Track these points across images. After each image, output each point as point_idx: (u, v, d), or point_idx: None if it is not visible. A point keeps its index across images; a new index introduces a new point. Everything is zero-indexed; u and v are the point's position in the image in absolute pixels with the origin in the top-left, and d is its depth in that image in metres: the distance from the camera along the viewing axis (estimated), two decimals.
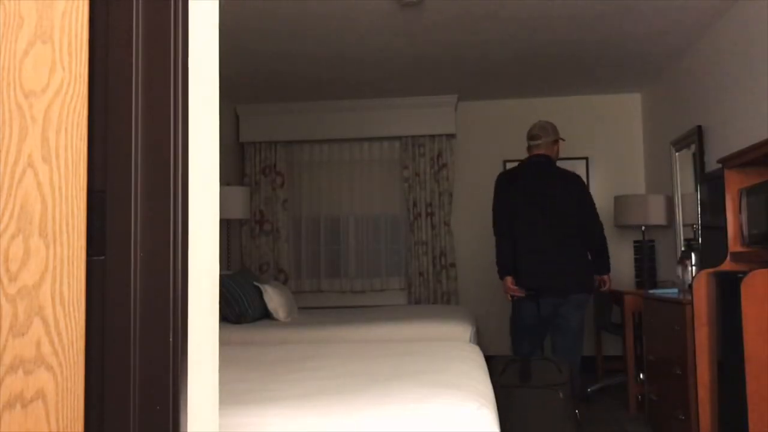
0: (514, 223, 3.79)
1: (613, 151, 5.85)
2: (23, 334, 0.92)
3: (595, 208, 3.80)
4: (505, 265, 3.82)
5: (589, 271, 3.82)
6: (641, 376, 4.18)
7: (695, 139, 4.37)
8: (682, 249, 4.68)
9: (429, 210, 5.85)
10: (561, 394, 3.12)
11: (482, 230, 5.91)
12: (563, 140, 4.04)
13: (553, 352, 3.83)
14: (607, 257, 3.89)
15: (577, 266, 3.74)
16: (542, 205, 3.74)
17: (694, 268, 3.85)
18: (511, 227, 3.79)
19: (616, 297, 4.75)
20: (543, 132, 3.87)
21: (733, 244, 3.08)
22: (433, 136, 5.88)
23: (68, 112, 0.95)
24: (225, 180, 5.62)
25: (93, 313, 0.96)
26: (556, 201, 3.75)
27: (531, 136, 3.90)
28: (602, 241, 3.83)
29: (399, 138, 5.96)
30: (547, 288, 3.72)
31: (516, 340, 3.88)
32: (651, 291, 4.00)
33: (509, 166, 5.92)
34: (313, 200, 6.07)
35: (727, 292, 2.77)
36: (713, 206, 3.84)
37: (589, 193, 3.82)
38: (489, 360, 3.09)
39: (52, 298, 0.93)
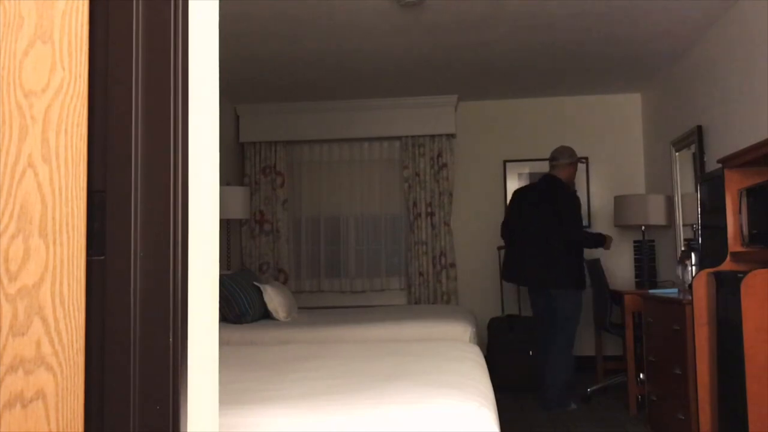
0: (513, 225, 4.60)
1: (613, 151, 5.85)
2: (23, 334, 0.92)
3: (572, 222, 4.30)
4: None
5: (566, 271, 4.30)
6: (641, 376, 4.18)
7: (695, 139, 4.37)
8: (682, 249, 4.68)
9: (429, 210, 5.85)
10: (531, 353, 4.97)
11: (482, 230, 5.91)
12: (581, 162, 4.73)
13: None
14: (582, 245, 4.40)
15: (552, 266, 4.30)
16: (533, 214, 4.43)
17: (694, 268, 3.85)
18: (512, 225, 4.61)
19: (616, 297, 4.75)
20: (558, 154, 4.54)
21: (733, 244, 3.08)
22: (433, 136, 5.88)
23: (68, 112, 0.95)
24: (225, 180, 5.62)
25: (93, 313, 0.96)
26: (542, 212, 4.40)
27: (550, 158, 4.59)
28: (573, 245, 4.33)
29: (399, 138, 5.96)
30: (530, 282, 4.50)
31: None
32: (651, 291, 4.00)
33: (509, 166, 5.94)
34: (313, 200, 6.07)
35: (727, 292, 2.77)
36: (713, 206, 3.84)
37: (570, 210, 4.32)
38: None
39: (52, 298, 0.93)
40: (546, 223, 4.33)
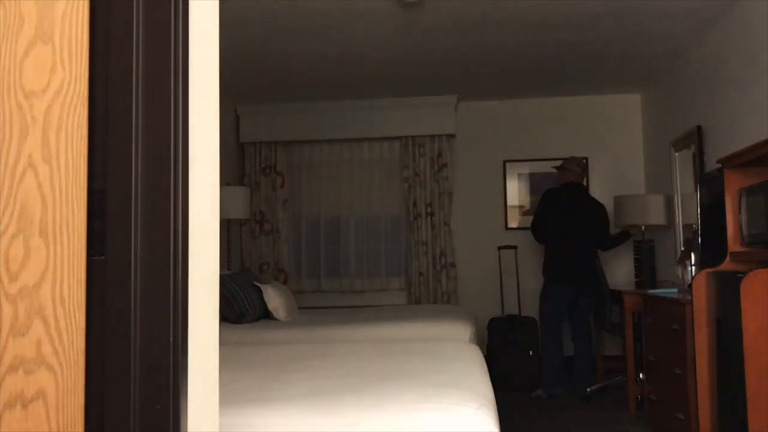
0: (554, 228, 4.98)
1: (613, 151, 5.85)
2: (23, 334, 0.92)
3: (608, 233, 4.98)
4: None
5: (600, 271, 4.81)
6: (641, 376, 4.18)
7: (695, 139, 4.37)
8: (682, 249, 4.68)
9: (429, 210, 5.85)
10: (531, 353, 5.14)
11: (482, 230, 5.91)
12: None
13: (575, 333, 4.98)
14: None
15: (593, 268, 4.80)
16: (572, 220, 4.91)
17: (694, 268, 3.85)
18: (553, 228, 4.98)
19: (616, 297, 4.75)
20: (577, 162, 5.07)
21: (733, 244, 3.08)
22: (433, 136, 5.88)
23: (68, 113, 0.95)
24: (225, 180, 5.62)
25: (93, 313, 0.96)
26: (580, 220, 4.95)
27: (572, 166, 5.03)
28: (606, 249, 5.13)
29: (399, 138, 5.96)
30: (578, 282, 4.86)
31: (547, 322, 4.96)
32: (651, 291, 4.00)
33: (509, 166, 5.94)
34: (313, 200, 6.07)
35: (727, 292, 2.77)
36: (713, 206, 3.84)
37: (608, 224, 4.99)
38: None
39: (53, 298, 0.93)
40: (588, 230, 4.86)
